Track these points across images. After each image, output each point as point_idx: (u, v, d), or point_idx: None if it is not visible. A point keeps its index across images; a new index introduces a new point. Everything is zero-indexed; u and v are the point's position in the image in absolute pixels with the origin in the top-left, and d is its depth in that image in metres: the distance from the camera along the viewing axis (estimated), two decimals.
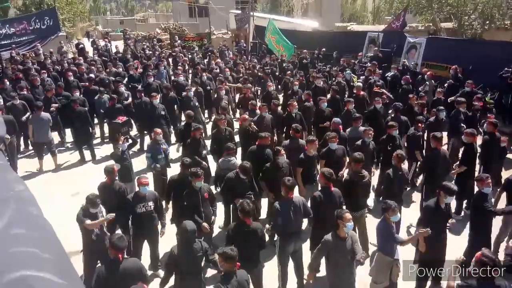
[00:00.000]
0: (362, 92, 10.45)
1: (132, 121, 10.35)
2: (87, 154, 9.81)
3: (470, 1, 18.06)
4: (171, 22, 33.87)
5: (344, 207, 5.65)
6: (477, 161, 7.18)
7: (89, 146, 9.80)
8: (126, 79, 12.95)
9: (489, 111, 9.22)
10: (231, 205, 6.15)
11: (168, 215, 6.12)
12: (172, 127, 10.18)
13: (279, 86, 14.06)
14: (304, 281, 5.27)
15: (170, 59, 18.10)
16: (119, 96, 10.53)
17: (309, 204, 5.31)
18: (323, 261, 4.84)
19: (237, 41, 24.56)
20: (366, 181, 5.79)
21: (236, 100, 12.42)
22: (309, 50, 17.98)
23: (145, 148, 8.34)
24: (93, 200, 5.04)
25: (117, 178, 6.01)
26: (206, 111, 12.00)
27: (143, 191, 5.39)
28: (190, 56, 18.24)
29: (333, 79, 12.67)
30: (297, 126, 7.25)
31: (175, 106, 10.69)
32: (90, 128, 9.88)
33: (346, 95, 11.11)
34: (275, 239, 5.14)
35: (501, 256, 5.86)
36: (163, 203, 5.99)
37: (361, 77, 12.41)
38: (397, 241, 4.65)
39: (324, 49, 17.90)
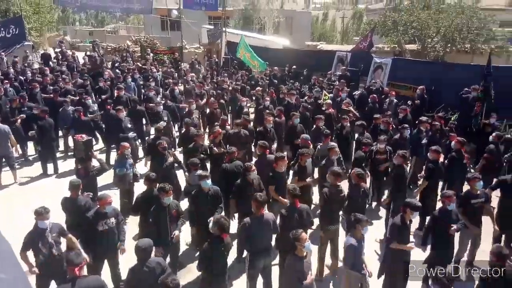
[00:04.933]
0: (331, 110, 10.68)
1: (98, 136, 10.09)
2: (50, 167, 9.45)
3: (433, 25, 18.97)
4: (143, 34, 33.59)
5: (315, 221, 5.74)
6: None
7: (53, 159, 9.45)
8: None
9: (451, 131, 9.62)
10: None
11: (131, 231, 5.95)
12: (140, 141, 9.98)
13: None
14: None
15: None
16: (86, 109, 10.25)
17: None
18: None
19: (209, 56, 24.64)
20: (343, 195, 5.89)
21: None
22: (279, 67, 18.28)
23: (112, 162, 8.12)
24: (39, 212, 4.82)
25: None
26: (176, 125, 11.86)
27: (105, 210, 5.20)
28: (161, 69, 18.11)
29: (305, 96, 12.91)
30: (264, 143, 7.28)
31: (144, 119, 10.53)
32: (55, 141, 9.55)
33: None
34: (244, 255, 5.07)
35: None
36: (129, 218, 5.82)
37: (330, 95, 12.69)
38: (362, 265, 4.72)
39: (294, 66, 18.25)
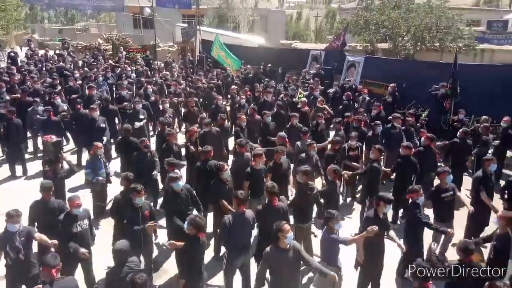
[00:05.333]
0: (306, 108, 10.78)
1: (69, 136, 9.80)
2: (18, 169, 9.12)
3: (403, 24, 19.41)
4: (114, 32, 32.89)
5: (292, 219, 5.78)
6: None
7: (21, 161, 9.12)
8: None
9: (422, 127, 9.90)
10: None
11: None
12: (112, 141, 9.76)
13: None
14: None
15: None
16: (55, 109, 9.94)
17: None
18: None
19: (183, 54, 24.38)
20: (315, 193, 5.95)
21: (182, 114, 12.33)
22: (254, 66, 18.30)
23: (84, 163, 7.91)
24: (10, 214, 4.67)
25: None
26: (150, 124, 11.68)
27: (76, 212, 5.05)
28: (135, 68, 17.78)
29: (280, 94, 12.98)
30: (241, 141, 7.28)
31: (116, 119, 10.31)
32: (23, 142, 9.22)
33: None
34: (221, 254, 5.06)
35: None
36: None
37: (305, 93, 12.82)
38: (344, 241, 4.79)
39: (269, 65, 18.32)
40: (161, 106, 10.75)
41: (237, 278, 5.18)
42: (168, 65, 19.60)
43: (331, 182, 6.21)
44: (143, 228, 5.14)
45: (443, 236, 6.13)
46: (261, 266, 4.46)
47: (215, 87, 13.75)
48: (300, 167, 6.14)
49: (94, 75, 14.07)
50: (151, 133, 11.43)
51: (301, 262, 4.40)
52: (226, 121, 9.68)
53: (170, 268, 5.86)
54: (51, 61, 19.04)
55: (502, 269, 4.72)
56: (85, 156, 8.53)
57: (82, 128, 9.25)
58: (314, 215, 6.31)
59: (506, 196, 6.61)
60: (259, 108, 10.58)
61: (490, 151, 8.87)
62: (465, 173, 8.74)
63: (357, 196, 8.22)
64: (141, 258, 5.20)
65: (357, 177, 8.17)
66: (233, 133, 9.65)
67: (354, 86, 13.86)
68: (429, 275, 3.81)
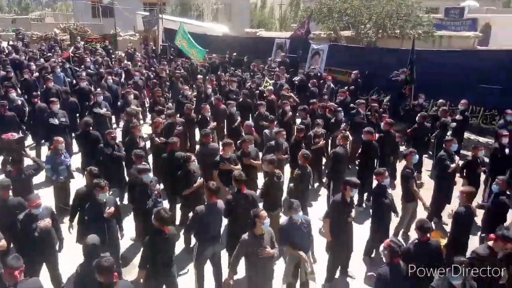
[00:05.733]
0: (272, 96, 10.80)
1: (27, 132, 9.35)
2: None
3: (365, 12, 19.72)
4: (72, 22, 31.48)
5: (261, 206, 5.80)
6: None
7: None
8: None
9: (384, 112, 10.19)
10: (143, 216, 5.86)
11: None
12: (73, 135, 9.38)
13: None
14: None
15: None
16: (10, 103, 9.41)
17: None
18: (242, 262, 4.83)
19: (145, 44, 23.74)
20: (282, 180, 6.01)
21: (147, 105, 12.07)
22: (219, 55, 18.10)
23: (43, 159, 7.57)
24: None
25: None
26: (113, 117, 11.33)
27: (35, 212, 4.82)
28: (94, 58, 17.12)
29: (246, 83, 12.95)
30: (205, 131, 7.21)
31: (77, 112, 9.93)
32: None
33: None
34: (191, 245, 5.03)
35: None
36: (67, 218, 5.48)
37: (271, 81, 12.84)
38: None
39: (235, 53, 18.19)
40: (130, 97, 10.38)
41: (208, 269, 5.18)
42: (130, 55, 19.02)
43: (302, 166, 6.27)
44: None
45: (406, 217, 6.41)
46: (237, 251, 4.45)
47: (180, 77, 13.51)
48: (265, 156, 6.17)
49: (51, 67, 13.42)
50: (114, 125, 11.10)
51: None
52: (192, 111, 9.53)
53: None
54: (4, 53, 17.99)
55: (462, 243, 5.01)
56: (44, 151, 8.17)
57: (41, 122, 8.83)
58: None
59: (464, 174, 6.96)
60: (225, 98, 10.51)
61: (449, 133, 9.26)
62: (425, 155, 9.11)
63: (324, 181, 8.37)
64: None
65: (323, 162, 8.32)
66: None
67: (319, 74, 14.02)
68: (399, 251, 3.94)
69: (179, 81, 12.95)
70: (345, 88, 12.32)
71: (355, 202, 7.40)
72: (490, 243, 4.21)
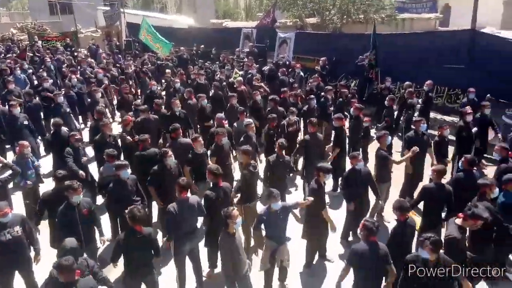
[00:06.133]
0: (243, 87, 10.76)
1: None
2: None
3: None
4: (29, 20, 30.08)
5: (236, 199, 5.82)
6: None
7: None
8: None
9: (353, 97, 10.37)
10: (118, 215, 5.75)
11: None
12: (39, 137, 9.04)
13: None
14: (204, 278, 5.26)
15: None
16: None
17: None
18: None
19: (108, 40, 23.05)
20: (257, 171, 6.03)
21: (115, 102, 11.77)
22: (186, 47, 17.83)
23: None
24: None
25: None
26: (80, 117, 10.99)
27: (3, 220, 4.62)
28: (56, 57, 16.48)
29: (216, 75, 12.83)
30: (174, 126, 7.11)
31: (41, 114, 9.56)
32: None
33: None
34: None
35: None
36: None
37: (240, 72, 12.79)
38: (292, 207, 4.95)
39: (202, 46, 17.97)
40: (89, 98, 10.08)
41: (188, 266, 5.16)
42: (93, 52, 18.43)
43: (277, 156, 6.29)
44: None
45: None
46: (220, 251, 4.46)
47: (148, 72, 13.23)
48: (244, 147, 6.16)
49: (10, 68, 12.83)
50: (82, 125, 10.78)
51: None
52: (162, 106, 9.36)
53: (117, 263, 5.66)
54: None
55: (435, 219, 5.19)
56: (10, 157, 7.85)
57: (2, 126, 8.46)
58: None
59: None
60: (194, 91, 10.39)
61: (416, 114, 9.54)
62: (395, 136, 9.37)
63: (299, 169, 8.45)
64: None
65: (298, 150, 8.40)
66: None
67: (287, 62, 14.08)
68: (375, 230, 4.05)
69: (147, 76, 12.69)
70: (316, 75, 12.43)
71: (331, 187, 7.66)
72: (458, 221, 4.35)
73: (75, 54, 18.31)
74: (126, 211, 4.45)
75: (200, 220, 5.43)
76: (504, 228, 4.81)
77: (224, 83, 11.77)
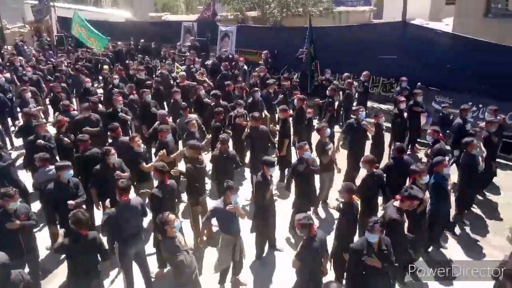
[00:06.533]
0: (186, 81, 10.56)
1: None
2: None
3: None
4: None
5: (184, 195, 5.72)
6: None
7: None
8: None
9: (295, 89, 10.59)
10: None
11: None
12: None
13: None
14: (152, 279, 5.14)
15: None
16: None
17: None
18: None
19: (38, 35, 21.54)
20: (205, 166, 6.04)
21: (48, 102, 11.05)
22: (124, 42, 17.15)
23: None
24: None
25: None
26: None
27: None
28: None
29: (157, 70, 12.49)
30: (113, 125, 6.83)
31: None
32: None
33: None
34: (114, 245, 4.78)
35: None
36: None
37: (183, 67, 12.54)
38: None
39: (142, 40, 17.39)
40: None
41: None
42: (19, 49, 17.11)
43: (220, 152, 6.28)
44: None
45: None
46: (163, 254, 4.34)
47: (83, 69, 12.53)
48: (191, 141, 6.07)
49: None
50: (12, 128, 10.00)
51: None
52: (100, 104, 8.93)
53: (60, 271, 5.36)
54: None
55: (372, 205, 5.48)
56: None
57: None
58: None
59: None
60: (135, 87, 10.04)
61: (355, 103, 9.95)
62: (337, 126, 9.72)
63: (247, 162, 8.50)
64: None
65: (245, 143, 8.43)
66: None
67: (230, 56, 14.03)
68: (310, 222, 4.15)
69: (81, 73, 12.01)
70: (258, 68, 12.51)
71: (278, 178, 7.79)
72: (397, 203, 4.61)
73: (2, 52, 16.90)
74: (69, 215, 4.22)
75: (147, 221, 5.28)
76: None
77: (168, 78, 11.47)
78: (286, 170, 7.81)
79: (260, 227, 5.51)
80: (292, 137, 8.01)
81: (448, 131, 8.22)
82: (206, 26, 16.60)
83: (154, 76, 12.24)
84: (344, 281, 4.48)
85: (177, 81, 10.74)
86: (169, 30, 18.92)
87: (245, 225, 5.59)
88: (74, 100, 11.00)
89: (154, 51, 16.46)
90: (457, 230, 6.29)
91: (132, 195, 4.97)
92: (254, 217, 5.55)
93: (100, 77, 12.77)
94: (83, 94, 9.83)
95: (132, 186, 6.02)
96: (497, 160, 7.57)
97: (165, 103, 10.25)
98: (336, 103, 9.96)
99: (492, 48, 9.32)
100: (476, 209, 6.93)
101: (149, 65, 13.40)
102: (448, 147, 7.25)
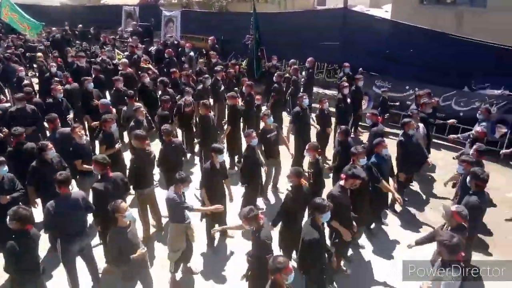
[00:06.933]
0: (129, 69, 10.16)
1: None
2: None
3: None
4: None
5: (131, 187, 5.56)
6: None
7: None
8: None
9: (243, 76, 10.59)
10: None
11: None
12: None
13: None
14: (100, 275, 5.00)
15: None
16: None
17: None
18: None
19: None
20: (153, 156, 5.87)
21: None
22: (59, 27, 16.11)
23: None
24: None
25: None
26: None
27: None
28: None
29: (98, 57, 11.89)
30: (50, 115, 6.47)
31: None
32: None
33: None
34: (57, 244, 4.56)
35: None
36: None
37: (125, 53, 12.03)
38: (189, 209, 4.87)
39: (80, 25, 16.44)
40: None
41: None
42: None
43: (166, 143, 6.18)
44: None
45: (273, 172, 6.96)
46: (108, 247, 4.18)
47: (13, 57, 11.62)
48: (135, 132, 5.89)
49: None
50: None
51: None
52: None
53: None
54: None
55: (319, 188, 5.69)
56: None
57: None
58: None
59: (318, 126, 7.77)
60: (74, 75, 9.51)
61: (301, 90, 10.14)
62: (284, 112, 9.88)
63: (196, 151, 8.42)
64: None
65: (194, 132, 8.36)
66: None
67: (175, 42, 13.68)
68: (255, 213, 4.21)
69: (12, 61, 11.13)
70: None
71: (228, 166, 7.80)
72: (342, 182, 4.85)
73: None
74: (9, 212, 3.97)
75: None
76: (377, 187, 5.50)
77: (108, 65, 10.97)
78: (236, 157, 7.91)
79: (210, 213, 5.53)
80: (242, 124, 8.04)
81: (387, 115, 8.72)
82: (148, 11, 16.02)
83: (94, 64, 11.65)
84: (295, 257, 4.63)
85: (119, 68, 10.30)
86: (109, 14, 18.04)
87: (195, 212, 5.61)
88: (6, 91, 10.23)
89: (93, 37, 15.65)
90: (397, 207, 6.72)
91: (75, 189, 4.77)
92: (203, 205, 5.53)
93: (35, 66, 11.92)
94: (17, 84, 9.14)
95: (74, 181, 5.83)
96: (433, 140, 8.15)
97: (107, 92, 9.80)
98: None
99: (426, 34, 9.90)
100: (414, 187, 7.42)
101: (88, 52, 12.74)
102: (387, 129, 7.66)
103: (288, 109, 10.16)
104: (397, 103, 9.36)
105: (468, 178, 4.83)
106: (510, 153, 7.08)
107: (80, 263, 4.77)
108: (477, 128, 6.95)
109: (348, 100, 8.56)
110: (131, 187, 5.53)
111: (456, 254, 3.43)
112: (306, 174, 5.68)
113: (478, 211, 4.57)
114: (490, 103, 8.34)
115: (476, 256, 5.26)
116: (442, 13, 11.73)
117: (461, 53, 9.27)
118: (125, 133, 8.22)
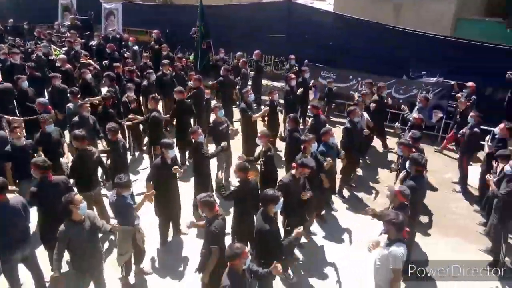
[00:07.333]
0: (67, 65, 9.62)
1: None
2: None
3: None
4: None
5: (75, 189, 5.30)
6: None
7: None
8: None
9: (191, 69, 10.42)
10: None
11: None
12: None
13: None
14: (47, 284, 4.74)
15: None
16: None
17: None
18: None
19: None
20: (97, 156, 5.63)
21: None
22: None
23: None
24: None
25: None
26: None
27: None
28: None
29: (33, 53, 11.14)
30: None
31: None
32: None
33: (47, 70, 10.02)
34: None
35: None
36: None
37: (63, 49, 11.35)
38: (134, 208, 4.75)
39: (11, 20, 15.29)
40: None
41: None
42: None
43: (111, 142, 5.96)
44: None
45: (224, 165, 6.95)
46: (57, 246, 3.96)
47: None
48: (73, 132, 5.61)
49: None
50: None
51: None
52: None
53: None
54: None
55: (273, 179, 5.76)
56: None
57: None
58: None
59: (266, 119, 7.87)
60: (7, 73, 8.85)
61: (250, 83, 10.18)
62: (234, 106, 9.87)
63: (144, 148, 8.20)
64: None
65: (141, 129, 8.13)
66: None
67: (118, 36, 13.15)
68: (211, 200, 4.24)
69: None
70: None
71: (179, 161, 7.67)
72: (293, 171, 4.95)
73: None
74: None
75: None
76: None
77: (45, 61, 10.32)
78: (187, 152, 7.79)
79: (163, 210, 5.42)
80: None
81: (333, 104, 9.00)
82: (87, 3, 15.24)
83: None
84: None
85: (57, 65, 9.71)
86: (43, 7, 16.89)
87: (148, 211, 5.47)
88: None
89: (26, 32, 14.63)
90: (345, 192, 6.97)
91: (13, 194, 4.46)
92: (157, 201, 5.41)
93: None
94: None
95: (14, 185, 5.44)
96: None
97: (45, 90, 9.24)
98: None
99: (368, 26, 10.29)
100: (360, 172, 7.74)
101: (22, 48, 11.90)
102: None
103: (237, 102, 10.17)
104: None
105: (407, 164, 5.14)
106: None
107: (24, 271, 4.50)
108: (414, 114, 7.39)
109: (299, 91, 8.67)
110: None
111: (402, 231, 3.68)
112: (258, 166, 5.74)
113: (416, 194, 4.83)
114: (426, 90, 8.87)
115: (417, 238, 5.55)
116: (383, 6, 12.20)
117: (400, 43, 9.77)
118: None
